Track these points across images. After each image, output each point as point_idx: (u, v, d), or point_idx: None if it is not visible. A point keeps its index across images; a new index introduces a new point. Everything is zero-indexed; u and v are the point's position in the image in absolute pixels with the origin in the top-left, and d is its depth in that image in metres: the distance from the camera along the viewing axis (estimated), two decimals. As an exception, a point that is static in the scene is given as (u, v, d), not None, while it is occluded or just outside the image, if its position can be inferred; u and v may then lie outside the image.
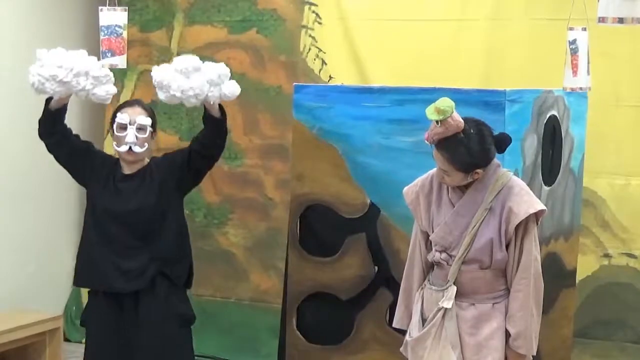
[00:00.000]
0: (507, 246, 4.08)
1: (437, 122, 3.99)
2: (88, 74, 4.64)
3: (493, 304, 4.12)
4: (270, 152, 7.05)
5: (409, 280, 4.34)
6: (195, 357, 4.96)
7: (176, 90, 4.56)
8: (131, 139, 4.68)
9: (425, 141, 4.06)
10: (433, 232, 4.18)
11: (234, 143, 6.89)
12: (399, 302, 4.36)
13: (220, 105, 4.71)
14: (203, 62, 4.70)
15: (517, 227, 4.05)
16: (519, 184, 4.15)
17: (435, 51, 6.56)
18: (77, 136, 4.88)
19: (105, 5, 5.07)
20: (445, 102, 3.98)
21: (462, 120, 4.01)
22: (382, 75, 6.60)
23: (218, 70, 4.66)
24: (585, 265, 6.14)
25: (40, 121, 4.80)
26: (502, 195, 4.09)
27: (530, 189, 4.82)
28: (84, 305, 7.45)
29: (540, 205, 4.08)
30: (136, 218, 4.69)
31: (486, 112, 4.61)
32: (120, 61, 5.09)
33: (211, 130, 4.71)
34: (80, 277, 4.87)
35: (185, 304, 4.85)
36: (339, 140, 5.01)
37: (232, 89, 4.71)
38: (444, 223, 4.14)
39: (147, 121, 4.72)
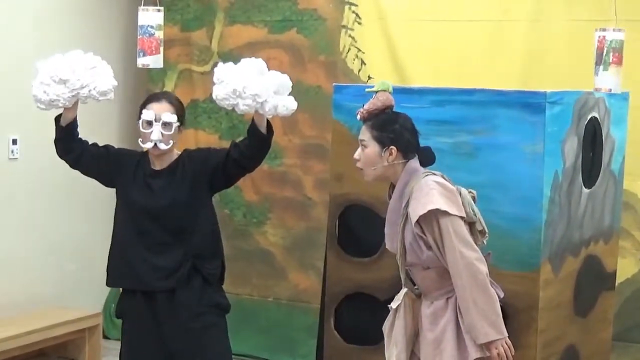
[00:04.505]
0: (430, 247, 4.20)
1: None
2: (86, 68, 4.64)
3: (447, 298, 4.24)
4: (310, 152, 7.06)
5: None
6: (233, 356, 4.96)
7: (238, 85, 4.50)
8: (156, 136, 4.65)
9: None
10: None
11: (274, 142, 6.84)
12: None
13: (268, 122, 4.65)
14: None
15: (427, 228, 4.14)
16: (422, 186, 4.20)
17: (475, 52, 6.55)
18: (94, 145, 4.86)
19: (147, 5, 5.11)
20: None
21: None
22: (421, 76, 6.60)
23: (282, 79, 4.61)
24: (624, 268, 6.11)
25: (55, 142, 4.82)
26: (410, 200, 4.21)
27: (570, 191, 4.83)
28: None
29: (432, 205, 4.11)
30: (168, 214, 4.69)
31: (526, 114, 4.60)
32: (152, 61, 5.12)
33: (254, 144, 4.65)
34: (113, 278, 4.86)
35: (219, 294, 4.84)
36: (378, 140, 5.01)
37: (289, 103, 4.64)
38: (386, 231, 4.40)
39: (173, 118, 4.66)
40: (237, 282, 7.04)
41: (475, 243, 4.20)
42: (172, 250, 4.70)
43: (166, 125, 4.66)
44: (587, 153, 5.05)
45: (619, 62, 4.98)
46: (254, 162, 4.74)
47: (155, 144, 4.65)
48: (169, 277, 4.70)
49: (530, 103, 4.62)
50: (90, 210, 7.36)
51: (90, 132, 4.93)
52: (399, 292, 4.48)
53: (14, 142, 6.71)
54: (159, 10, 5.11)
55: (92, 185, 7.18)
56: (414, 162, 4.28)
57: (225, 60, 7.14)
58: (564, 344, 4.94)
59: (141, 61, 5.11)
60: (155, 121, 4.66)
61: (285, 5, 7.15)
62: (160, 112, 4.67)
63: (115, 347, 7.22)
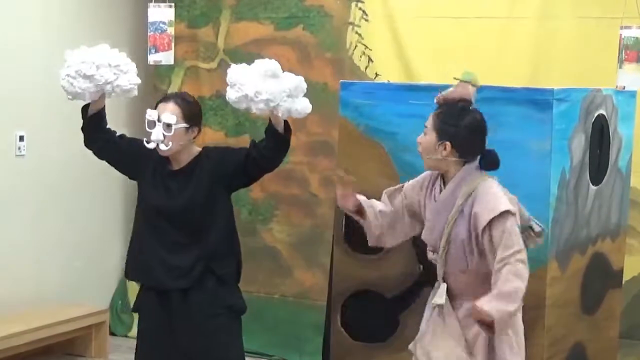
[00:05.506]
0: (482, 252, 4.13)
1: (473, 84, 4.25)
2: (110, 65, 4.64)
3: None
4: (316, 149, 7.06)
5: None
6: (240, 353, 4.97)
7: (249, 90, 4.45)
8: (155, 136, 4.60)
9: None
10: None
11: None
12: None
13: (286, 122, 4.60)
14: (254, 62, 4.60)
15: (484, 231, 4.08)
16: (488, 188, 4.15)
17: (482, 49, 6.54)
18: (122, 137, 4.86)
19: (155, 2, 5.11)
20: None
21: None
22: (428, 73, 6.59)
23: (296, 82, 4.55)
24: (631, 266, 6.09)
25: (82, 130, 4.81)
26: (471, 198, 4.14)
27: (578, 188, 4.82)
28: (130, 299, 7.55)
29: (503, 207, 4.07)
30: (184, 215, 4.67)
31: (534, 111, 4.60)
32: (165, 57, 5.11)
33: (272, 145, 4.60)
34: (129, 271, 4.88)
35: (234, 295, 4.82)
36: (385, 137, 5.00)
37: (304, 105, 4.59)
38: (428, 220, 4.30)
39: (172, 119, 4.58)
40: (243, 280, 6.95)
41: (528, 245, 4.22)
42: (187, 249, 4.68)
43: (168, 126, 4.61)
44: (594, 150, 5.04)
45: (632, 59, 4.99)
46: (273, 163, 4.70)
47: (158, 144, 4.63)
48: (182, 277, 4.68)
49: (537, 100, 4.62)
50: (97, 207, 7.37)
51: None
52: (406, 287, 4.48)
53: (21, 138, 6.71)
54: (170, 6, 5.10)
55: (98, 182, 7.23)
56: (473, 164, 4.21)
57: (231, 57, 7.22)
58: (571, 341, 4.94)
59: (153, 58, 5.09)
60: (158, 121, 4.62)
61: (292, 2, 7.14)
62: (162, 113, 4.64)
63: (122, 343, 7.26)
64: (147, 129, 4.67)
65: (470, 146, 4.20)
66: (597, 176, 5.10)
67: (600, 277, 5.23)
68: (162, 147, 4.62)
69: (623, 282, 5.71)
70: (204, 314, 4.68)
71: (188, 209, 4.66)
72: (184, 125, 4.64)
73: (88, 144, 4.83)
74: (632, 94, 5.41)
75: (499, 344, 4.17)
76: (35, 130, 6.77)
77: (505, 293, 3.98)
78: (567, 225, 4.79)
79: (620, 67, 5.06)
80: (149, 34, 5.08)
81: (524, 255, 4.05)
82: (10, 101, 6.62)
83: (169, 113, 4.62)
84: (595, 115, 5.02)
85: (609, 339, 5.48)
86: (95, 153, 4.86)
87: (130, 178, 4.95)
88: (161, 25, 5.06)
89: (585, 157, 4.93)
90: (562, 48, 6.37)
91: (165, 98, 4.76)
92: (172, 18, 5.11)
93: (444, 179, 4.28)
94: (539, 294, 4.60)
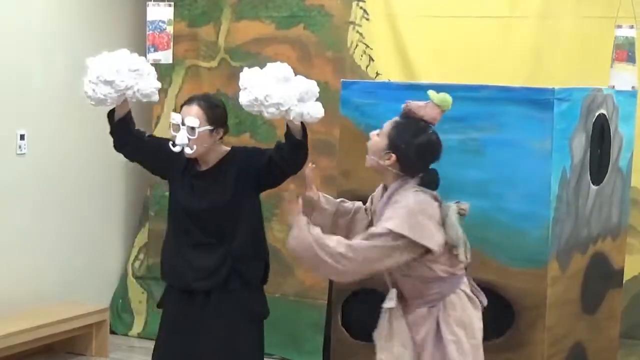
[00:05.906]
0: (414, 258, 4.14)
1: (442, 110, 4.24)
2: (129, 70, 4.65)
3: (428, 307, 4.21)
4: (316, 148, 7.00)
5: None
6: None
7: (259, 93, 4.44)
8: (180, 140, 4.59)
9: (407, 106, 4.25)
10: None
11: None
12: None
13: (303, 126, 4.59)
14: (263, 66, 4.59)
15: None
16: (398, 202, 4.15)
17: (483, 48, 6.55)
18: (151, 138, 4.87)
19: (154, 1, 5.11)
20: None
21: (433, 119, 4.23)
22: (429, 72, 6.59)
23: (307, 86, 4.53)
24: (632, 266, 6.09)
25: (111, 134, 4.81)
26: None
27: (578, 188, 4.82)
28: (130, 298, 7.57)
29: (389, 225, 4.07)
30: (208, 216, 4.66)
31: (534, 110, 4.59)
32: (164, 56, 5.11)
33: (290, 149, 4.60)
34: (162, 272, 4.89)
35: (257, 300, 4.82)
36: (386, 137, 5.00)
37: (316, 110, 4.55)
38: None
39: (195, 122, 4.58)
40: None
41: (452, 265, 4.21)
42: (212, 250, 4.68)
43: (192, 129, 4.59)
44: (595, 150, 5.04)
45: (622, 59, 4.99)
46: (294, 166, 4.69)
47: (183, 148, 4.61)
48: (207, 278, 4.67)
49: (538, 100, 4.61)
50: (98, 205, 7.37)
51: (97, 128, 4.92)
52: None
53: (22, 137, 6.72)
54: (169, 5, 5.10)
55: (99, 180, 7.23)
56: (411, 180, 4.22)
57: (232, 56, 7.23)
58: (571, 341, 4.94)
59: (152, 57, 5.09)
60: (182, 125, 4.61)
61: (293, 1, 7.14)
62: (185, 116, 4.62)
63: (122, 342, 7.27)
64: (172, 133, 4.66)
65: (414, 166, 4.22)
66: (597, 175, 5.10)
67: (601, 276, 5.23)
68: (187, 150, 4.61)
69: (623, 282, 5.71)
70: (227, 316, 4.68)
71: (214, 209, 4.65)
72: (208, 127, 4.63)
73: (118, 148, 4.83)
74: (633, 94, 5.41)
75: (447, 345, 4.17)
76: (36, 129, 6.78)
77: (326, 241, 4.17)
78: (568, 225, 4.78)
79: (612, 67, 5.07)
80: (148, 32, 5.08)
81: (362, 254, 4.09)
82: (11, 100, 6.62)
83: (193, 116, 4.61)
84: (596, 114, 5.01)
85: (610, 338, 5.48)
86: (126, 156, 4.86)
87: (161, 178, 4.96)
88: (160, 24, 5.06)
89: (586, 157, 4.92)
90: (562, 47, 6.37)
91: (189, 100, 4.74)
92: (172, 17, 5.11)
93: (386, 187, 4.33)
94: (539, 294, 4.60)
